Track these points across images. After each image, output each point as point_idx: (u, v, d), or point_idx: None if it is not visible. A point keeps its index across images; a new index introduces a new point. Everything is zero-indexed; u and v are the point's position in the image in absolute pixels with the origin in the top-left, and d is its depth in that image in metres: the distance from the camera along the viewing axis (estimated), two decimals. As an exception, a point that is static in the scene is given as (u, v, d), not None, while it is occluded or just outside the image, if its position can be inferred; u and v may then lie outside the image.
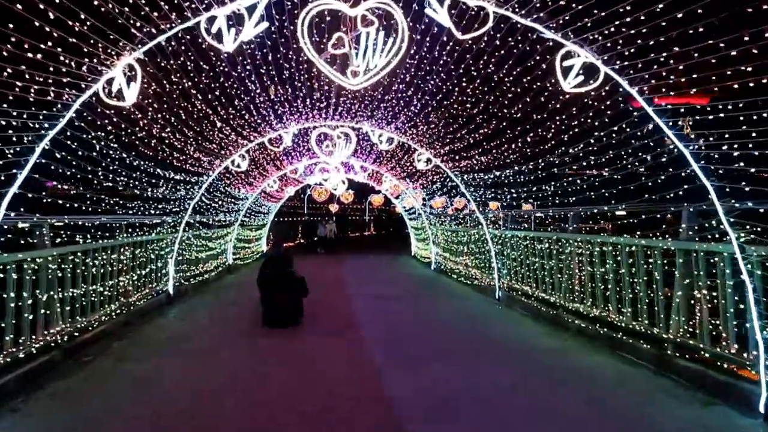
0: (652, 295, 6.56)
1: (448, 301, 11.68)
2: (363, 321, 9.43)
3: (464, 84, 6.90)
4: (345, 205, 43.47)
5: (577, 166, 7.25)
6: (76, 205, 6.25)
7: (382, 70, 4.61)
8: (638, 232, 6.51)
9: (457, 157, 10.13)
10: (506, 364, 6.78)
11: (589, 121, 5.89)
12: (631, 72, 4.54)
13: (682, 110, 5.08)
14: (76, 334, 7.42)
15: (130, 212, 8.50)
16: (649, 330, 6.58)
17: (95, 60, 4.49)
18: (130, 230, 9.04)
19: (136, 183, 7.81)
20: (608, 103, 5.25)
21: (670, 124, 4.54)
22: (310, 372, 6.43)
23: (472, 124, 8.17)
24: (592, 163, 6.81)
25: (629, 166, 6.02)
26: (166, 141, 7.92)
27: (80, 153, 5.65)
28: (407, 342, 7.88)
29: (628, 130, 5.56)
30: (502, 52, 5.63)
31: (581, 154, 6.61)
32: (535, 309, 9.64)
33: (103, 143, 6.08)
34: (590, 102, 5.40)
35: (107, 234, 7.93)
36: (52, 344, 6.81)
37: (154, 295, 10.87)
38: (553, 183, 7.89)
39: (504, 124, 7.61)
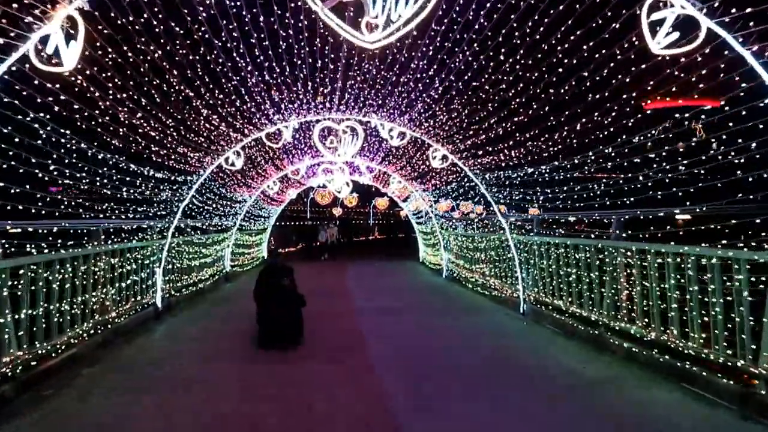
0: (735, 317, 5.33)
1: (465, 315, 10.44)
2: (369, 340, 8.21)
3: (502, 57, 5.68)
4: (349, 208, 42.48)
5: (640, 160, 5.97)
6: (21, 207, 5.03)
7: (406, 24, 3.42)
8: (723, 241, 5.27)
9: (480, 152, 8.88)
10: (545, 400, 5.59)
11: (668, 99, 4.67)
12: (752, 24, 3.34)
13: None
14: (35, 362, 6.25)
15: (101, 216, 7.25)
16: (730, 361, 5.35)
17: (15, 6, 3.31)
18: (103, 237, 7.85)
19: (104, 181, 6.54)
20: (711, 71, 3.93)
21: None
22: (308, 411, 5.27)
23: (505, 110, 6.93)
24: (662, 155, 5.55)
25: (720, 157, 4.77)
26: (139, 130, 6.69)
27: (19, 140, 4.46)
28: (422, 369, 6.68)
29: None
30: (560, 7, 4.42)
31: (648, 143, 5.38)
32: (569, 326, 8.41)
33: (50, 128, 4.88)
34: (678, 72, 4.19)
35: (71, 242, 6.71)
36: (1, 377, 5.64)
37: (139, 309, 9.69)
38: (604, 181, 6.63)
39: (546, 108, 6.34)
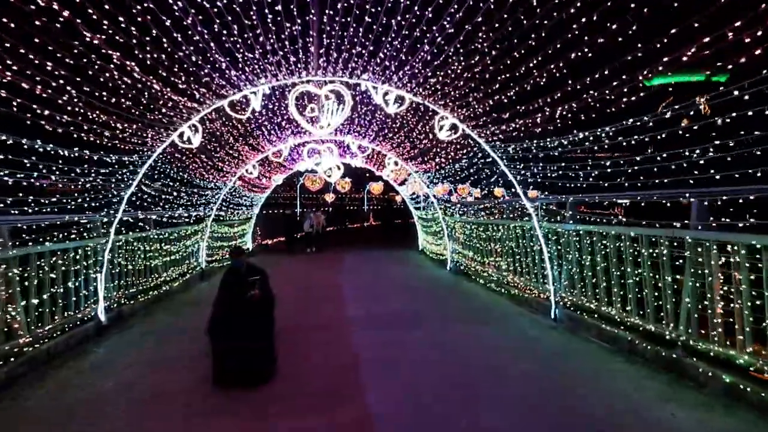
0: None
1: (486, 325, 8.35)
2: (368, 372, 6.11)
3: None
4: (342, 194, 40.22)
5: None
6: None
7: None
8: None
9: (507, 116, 6.65)
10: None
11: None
12: None
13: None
14: None
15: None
16: None
17: None
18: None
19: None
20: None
21: None
22: None
23: (556, 43, 4.71)
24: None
25: None
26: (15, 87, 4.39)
27: None
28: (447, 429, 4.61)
29: None
30: None
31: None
32: (625, 342, 6.40)
33: None
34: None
35: None
36: None
37: (70, 327, 7.59)
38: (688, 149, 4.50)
39: (632, 30, 4.11)
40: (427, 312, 9.31)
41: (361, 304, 10.10)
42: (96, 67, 4.99)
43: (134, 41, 4.94)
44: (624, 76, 4.29)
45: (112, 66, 5.13)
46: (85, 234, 7.87)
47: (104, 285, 8.64)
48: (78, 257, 7.90)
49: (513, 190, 8.65)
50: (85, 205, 7.09)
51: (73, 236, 7.38)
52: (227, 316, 6.12)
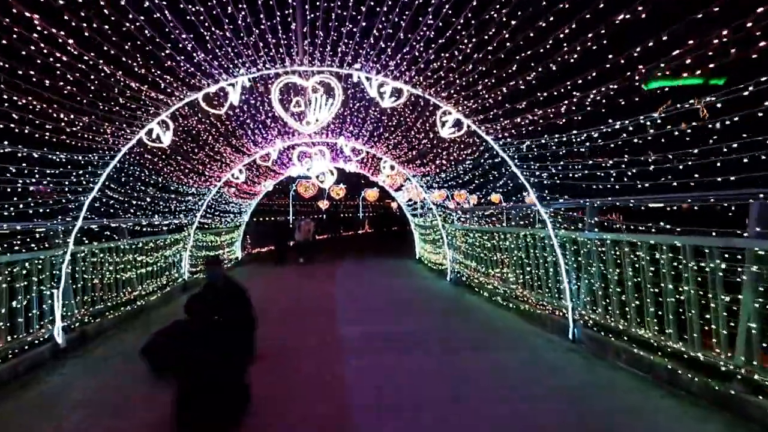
0: None
1: (498, 346, 7.35)
2: (367, 411, 5.10)
3: None
4: (337, 201, 39.26)
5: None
6: None
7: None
8: None
9: (523, 105, 5.65)
10: None
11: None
12: None
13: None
14: None
15: None
16: None
17: None
18: None
19: None
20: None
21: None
22: None
23: (581, 17, 3.72)
24: None
25: None
26: None
27: None
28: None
29: None
30: None
31: None
32: (662, 372, 5.43)
33: None
34: None
35: None
36: None
37: (16, 352, 6.56)
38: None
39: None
40: (429, 332, 8.27)
41: (353, 323, 9.02)
42: (14, 35, 3.97)
43: (60, 1, 3.93)
44: (691, 41, 3.36)
45: (35, 36, 4.11)
46: (33, 245, 6.83)
47: (62, 302, 7.62)
48: (27, 271, 6.87)
49: (524, 193, 7.70)
50: (30, 211, 6.06)
51: (16, 248, 6.34)
52: (191, 347, 5.10)
